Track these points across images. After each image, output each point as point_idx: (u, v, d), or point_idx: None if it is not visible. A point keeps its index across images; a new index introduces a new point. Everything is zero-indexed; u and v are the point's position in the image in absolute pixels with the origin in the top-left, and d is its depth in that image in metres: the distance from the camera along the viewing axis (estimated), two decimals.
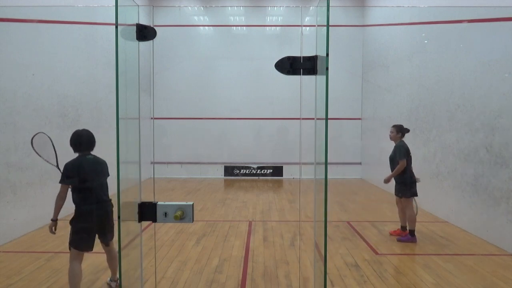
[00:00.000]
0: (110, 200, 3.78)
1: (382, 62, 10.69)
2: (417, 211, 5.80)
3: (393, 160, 5.79)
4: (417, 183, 5.76)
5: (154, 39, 1.82)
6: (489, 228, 5.71)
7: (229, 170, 12.67)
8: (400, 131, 5.80)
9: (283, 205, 8.41)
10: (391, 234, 6.07)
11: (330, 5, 1.59)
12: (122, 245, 1.72)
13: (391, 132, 5.86)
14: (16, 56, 5.78)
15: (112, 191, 3.49)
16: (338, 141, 12.53)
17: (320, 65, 1.76)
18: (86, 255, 3.65)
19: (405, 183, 5.72)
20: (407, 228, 5.78)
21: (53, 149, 3.95)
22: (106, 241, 3.78)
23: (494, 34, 5.71)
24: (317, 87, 1.78)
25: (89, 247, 3.61)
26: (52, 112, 6.62)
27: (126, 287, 1.82)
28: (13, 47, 5.74)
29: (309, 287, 4.12)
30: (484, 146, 5.81)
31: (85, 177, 3.61)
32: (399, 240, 5.72)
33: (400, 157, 5.62)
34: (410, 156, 5.75)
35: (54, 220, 3.61)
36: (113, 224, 3.80)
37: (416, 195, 5.78)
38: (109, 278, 4.09)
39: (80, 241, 3.57)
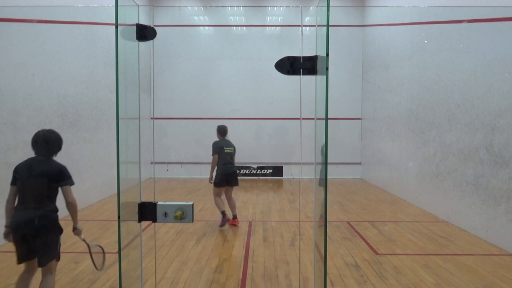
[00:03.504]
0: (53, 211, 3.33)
1: (382, 62, 10.69)
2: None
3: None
4: None
5: (154, 39, 1.82)
6: (489, 228, 5.71)
7: None
8: (218, 131, 6.70)
9: (283, 205, 8.41)
10: (231, 224, 6.59)
11: (330, 5, 1.59)
12: (122, 245, 1.72)
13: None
14: (16, 56, 5.78)
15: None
16: (338, 141, 12.53)
17: (320, 65, 1.76)
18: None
19: (236, 174, 6.70)
20: (224, 212, 6.48)
21: None
22: (40, 263, 3.26)
23: (494, 34, 5.71)
24: (317, 87, 1.78)
25: (22, 259, 3.24)
26: (52, 112, 6.62)
27: (126, 287, 1.82)
28: (13, 47, 5.74)
29: (309, 287, 4.13)
30: (484, 146, 5.81)
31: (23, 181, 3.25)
32: (221, 226, 6.38)
33: (212, 152, 6.52)
34: (226, 152, 6.53)
35: (7, 227, 3.21)
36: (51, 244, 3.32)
37: None
38: None
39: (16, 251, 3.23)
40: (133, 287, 1.95)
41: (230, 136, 6.74)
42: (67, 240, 5.72)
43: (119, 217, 1.70)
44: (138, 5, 1.82)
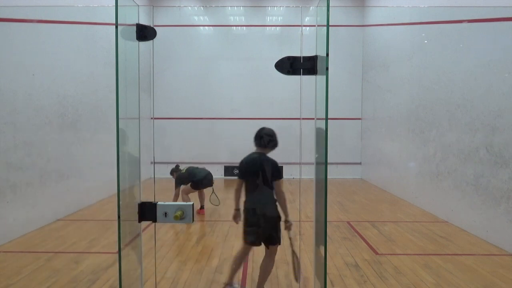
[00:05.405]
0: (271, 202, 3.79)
1: (382, 62, 10.69)
2: None
3: None
4: None
5: (154, 39, 1.82)
6: (489, 228, 5.71)
7: (229, 170, 12.66)
8: None
9: None
10: (198, 213, 7.59)
11: (330, 5, 1.59)
12: (122, 245, 1.72)
13: None
14: (16, 56, 5.78)
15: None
16: (338, 141, 12.53)
17: (320, 65, 1.76)
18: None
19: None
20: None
21: None
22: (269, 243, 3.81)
23: (494, 34, 5.71)
24: (317, 87, 1.78)
25: (253, 242, 3.77)
26: (52, 112, 6.62)
27: (126, 287, 1.82)
28: (13, 47, 5.74)
29: (309, 287, 4.12)
30: (484, 146, 5.81)
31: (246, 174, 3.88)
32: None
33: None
34: None
35: (237, 209, 3.93)
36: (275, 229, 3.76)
37: None
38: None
39: (245, 235, 3.80)
40: (133, 287, 1.95)
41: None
42: (67, 240, 5.72)
43: (119, 217, 1.70)
44: (138, 5, 1.82)
